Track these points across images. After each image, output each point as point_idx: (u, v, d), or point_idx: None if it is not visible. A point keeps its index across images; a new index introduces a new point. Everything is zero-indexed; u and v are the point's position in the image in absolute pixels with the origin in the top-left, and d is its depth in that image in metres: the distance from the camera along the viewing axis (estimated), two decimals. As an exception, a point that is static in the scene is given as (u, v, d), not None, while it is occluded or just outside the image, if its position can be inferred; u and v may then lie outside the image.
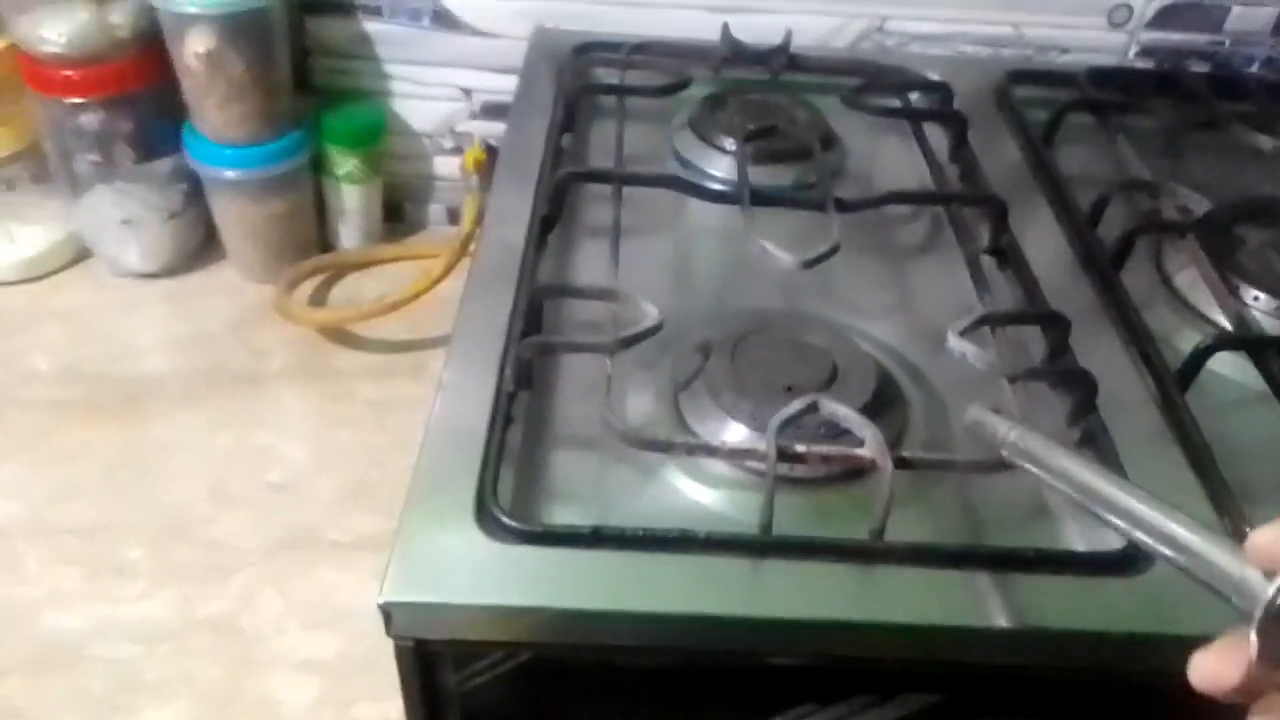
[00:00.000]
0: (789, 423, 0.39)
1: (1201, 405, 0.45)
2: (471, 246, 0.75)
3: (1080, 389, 0.43)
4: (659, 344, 0.46)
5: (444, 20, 0.76)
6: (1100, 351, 0.48)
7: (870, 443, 0.38)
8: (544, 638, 0.37)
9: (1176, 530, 0.29)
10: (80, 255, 0.80)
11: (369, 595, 0.60)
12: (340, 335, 0.76)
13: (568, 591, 0.36)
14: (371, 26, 0.77)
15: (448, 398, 0.43)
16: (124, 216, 0.75)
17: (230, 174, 0.73)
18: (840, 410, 0.39)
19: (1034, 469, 0.34)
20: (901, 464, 0.38)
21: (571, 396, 0.46)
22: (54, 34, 0.67)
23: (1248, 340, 0.46)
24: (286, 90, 0.73)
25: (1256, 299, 0.52)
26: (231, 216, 0.77)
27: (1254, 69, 0.76)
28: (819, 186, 0.54)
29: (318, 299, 0.79)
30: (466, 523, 0.38)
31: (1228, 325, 0.50)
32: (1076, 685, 0.39)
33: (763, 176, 0.57)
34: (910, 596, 0.37)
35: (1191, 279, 0.54)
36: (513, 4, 0.75)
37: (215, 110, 0.71)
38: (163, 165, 0.75)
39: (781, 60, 0.67)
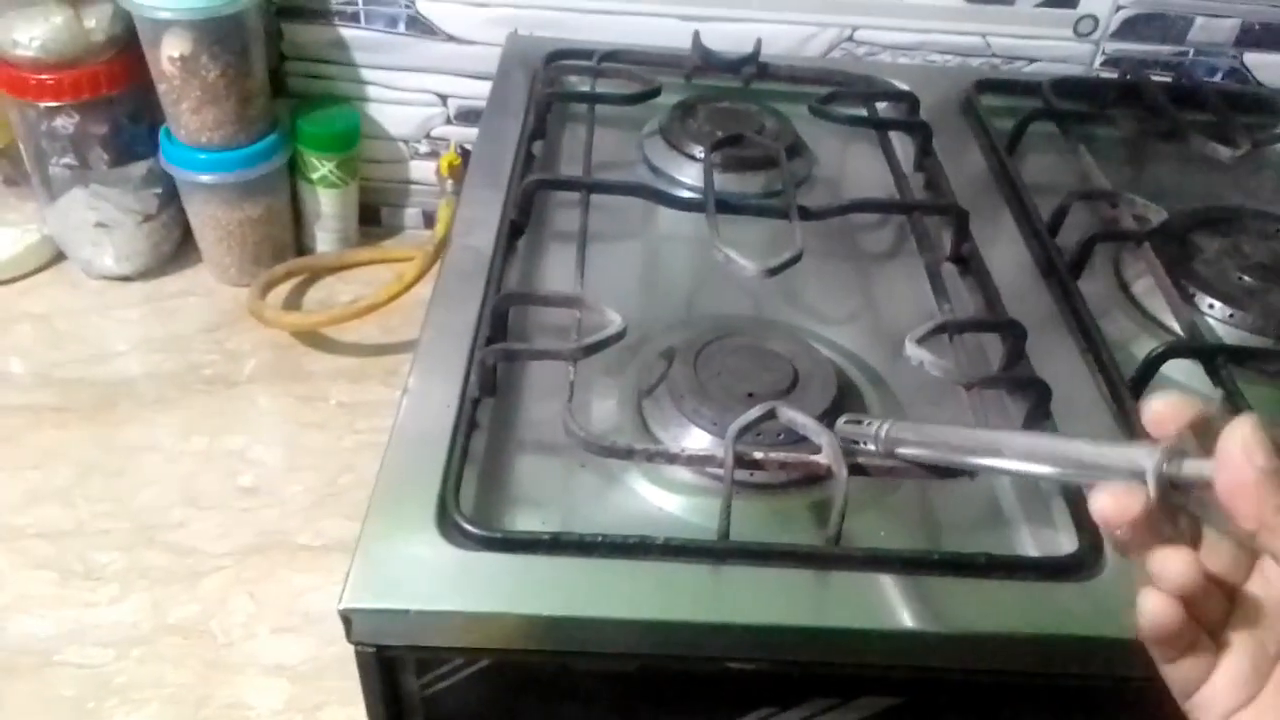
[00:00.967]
0: (747, 429, 0.40)
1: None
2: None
3: (1035, 396, 0.44)
4: (624, 350, 0.46)
5: (420, 26, 0.76)
6: (1057, 358, 0.49)
7: (826, 449, 0.39)
8: (505, 644, 0.37)
9: (1070, 448, 0.30)
10: (54, 258, 0.80)
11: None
12: (313, 338, 0.76)
13: (528, 598, 0.37)
14: (348, 32, 0.77)
15: (413, 403, 0.44)
16: (99, 219, 0.75)
17: (205, 178, 0.74)
18: (798, 417, 0.39)
19: (915, 451, 0.36)
20: (856, 470, 0.38)
21: (536, 402, 0.47)
22: (27, 38, 0.67)
23: (1200, 348, 0.48)
24: (262, 95, 0.73)
25: (1211, 306, 0.53)
26: (206, 220, 0.77)
27: (1217, 79, 0.77)
28: (784, 194, 0.55)
29: (292, 302, 0.79)
30: (428, 529, 0.38)
31: (1182, 332, 0.51)
32: (1030, 688, 0.40)
33: (730, 184, 0.58)
34: (865, 601, 0.38)
35: (1148, 286, 0.55)
36: (487, 11, 0.75)
37: (190, 114, 0.71)
38: (137, 169, 0.75)
39: (752, 69, 0.68)
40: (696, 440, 0.44)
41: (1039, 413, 0.44)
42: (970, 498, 0.45)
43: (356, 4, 0.76)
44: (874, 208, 0.57)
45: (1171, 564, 0.26)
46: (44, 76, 0.69)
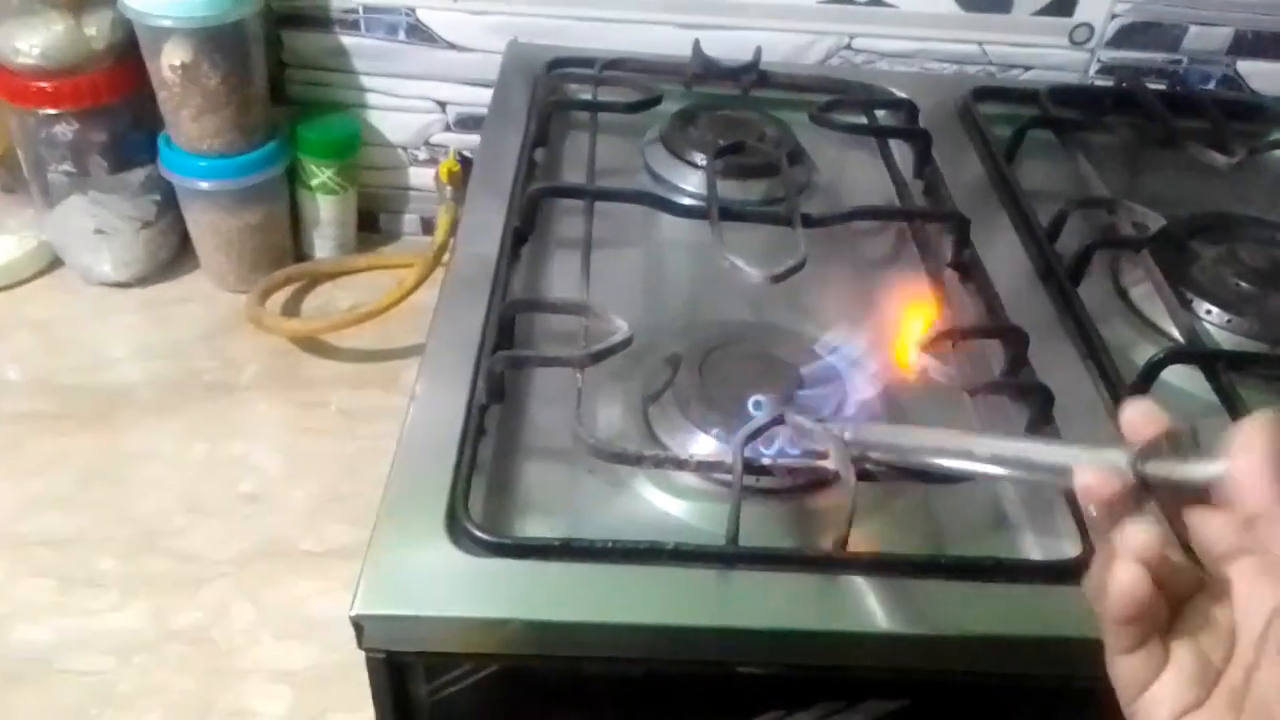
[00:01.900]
0: (755, 435, 0.40)
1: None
2: (445, 257, 0.76)
3: (1038, 401, 0.44)
4: (630, 356, 0.47)
5: (420, 34, 0.77)
6: (1058, 363, 0.50)
7: (835, 455, 0.39)
8: (514, 649, 0.37)
9: (1043, 450, 0.32)
10: (52, 264, 0.80)
11: (342, 605, 0.60)
12: (313, 345, 0.76)
13: (538, 603, 0.37)
14: (348, 40, 0.77)
15: (420, 410, 0.44)
16: (97, 226, 0.75)
17: (204, 185, 0.74)
18: (806, 423, 0.40)
19: (882, 455, 0.37)
20: (864, 476, 0.39)
21: (543, 408, 0.47)
22: (28, 45, 0.67)
23: (1199, 353, 0.48)
24: (262, 102, 0.74)
25: (1209, 312, 0.54)
26: (205, 227, 0.77)
27: (1210, 86, 0.78)
28: (786, 201, 0.55)
29: (291, 309, 0.79)
30: (438, 535, 0.38)
31: (1181, 338, 0.51)
32: (1033, 690, 0.40)
33: (732, 191, 0.59)
34: (873, 605, 0.38)
35: (1146, 293, 0.55)
36: (488, 19, 0.76)
37: (190, 122, 0.71)
38: (136, 175, 0.75)
39: (751, 77, 0.69)
40: (703, 446, 0.44)
41: (1042, 418, 0.45)
42: (973, 502, 0.45)
43: (357, 12, 0.76)
44: (876, 215, 0.57)
45: (1140, 532, 0.28)
46: (44, 84, 0.69)
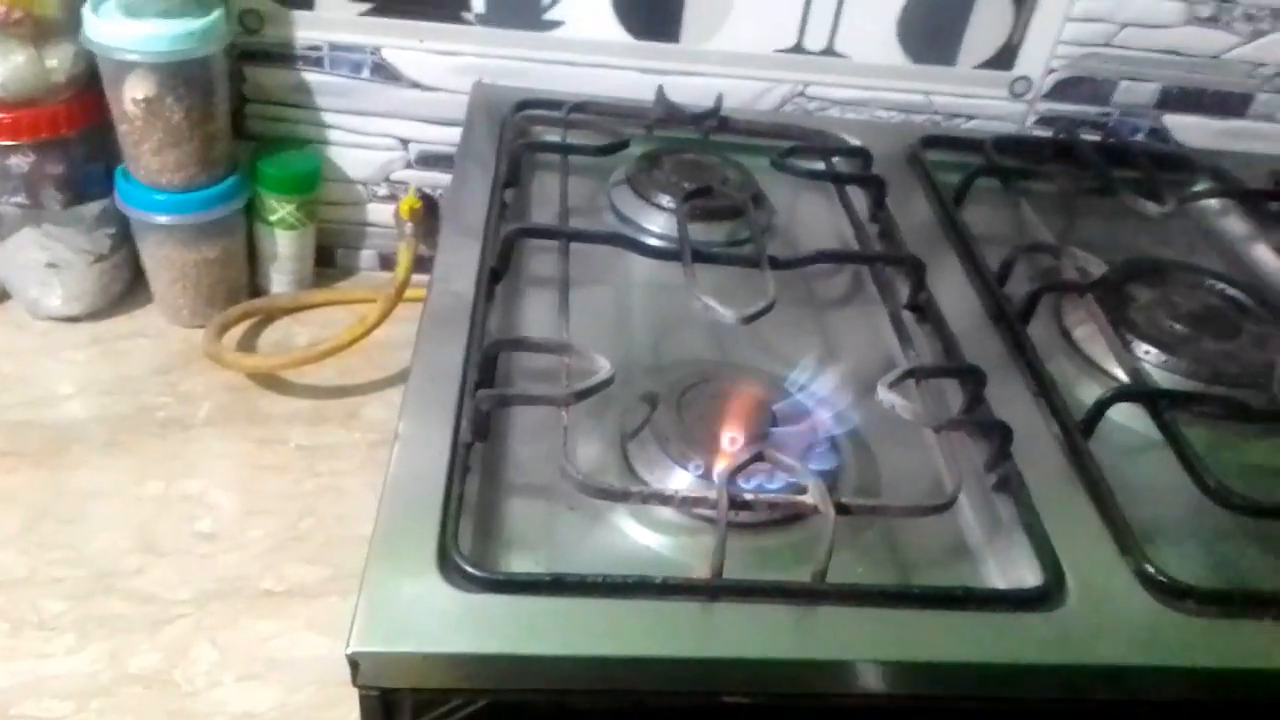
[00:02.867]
0: (737, 471, 0.41)
1: (1101, 451, 0.49)
2: (406, 293, 0.76)
3: (997, 438, 0.47)
4: (603, 394, 0.48)
5: (384, 73, 0.77)
6: (1010, 400, 0.52)
7: (813, 490, 0.41)
8: (508, 684, 0.38)
9: None
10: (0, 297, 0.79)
11: (305, 645, 0.60)
12: (269, 381, 0.75)
13: (530, 638, 0.37)
14: (311, 76, 0.77)
15: (405, 449, 0.44)
16: (49, 260, 0.74)
17: (163, 219, 0.73)
18: (785, 460, 0.41)
19: None
20: (841, 510, 0.40)
21: (522, 444, 0.48)
22: (-14, 76, 0.66)
23: (1144, 392, 0.51)
24: (224, 137, 0.73)
25: (1147, 353, 0.57)
26: (161, 261, 0.76)
27: (1139, 137, 0.83)
28: (753, 244, 0.57)
29: (246, 344, 0.79)
30: (430, 572, 0.39)
31: (1123, 377, 0.54)
32: (1004, 713, 0.42)
33: (698, 233, 0.60)
34: (851, 634, 0.39)
35: (1088, 333, 0.59)
36: (452, 59, 0.77)
37: (151, 155, 0.70)
38: (90, 209, 0.74)
39: (713, 123, 0.71)
40: (680, 481, 0.45)
41: (1001, 453, 0.47)
42: (935, 535, 0.47)
43: (322, 49, 0.76)
44: (839, 258, 0.60)
45: None
46: (1, 115, 0.68)
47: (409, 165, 0.82)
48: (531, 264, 0.60)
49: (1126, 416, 0.52)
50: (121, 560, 0.62)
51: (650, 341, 0.58)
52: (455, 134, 0.79)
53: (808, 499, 0.41)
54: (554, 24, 0.76)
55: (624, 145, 0.65)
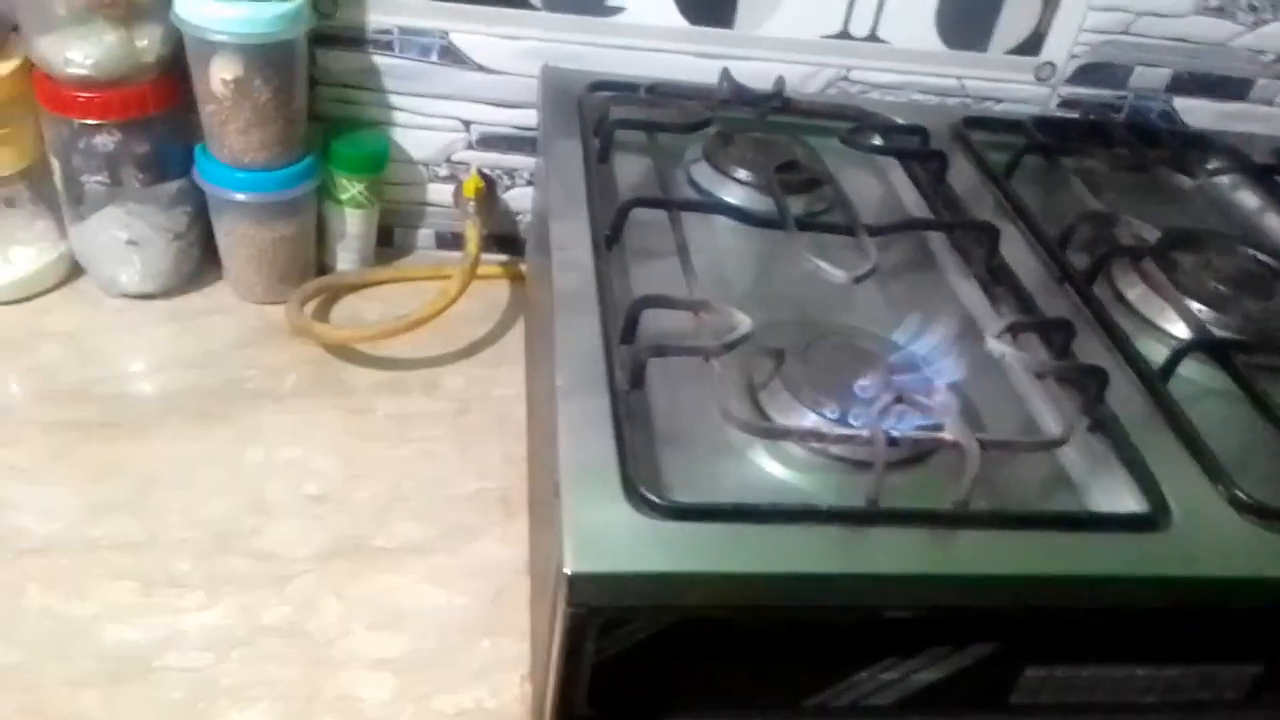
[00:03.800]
0: (882, 412, 0.46)
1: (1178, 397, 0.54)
2: (480, 269, 0.80)
3: (1094, 383, 0.52)
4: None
5: (451, 56, 0.80)
6: (1088, 353, 0.57)
7: (952, 427, 0.45)
8: (696, 601, 0.42)
9: None
10: (69, 276, 0.80)
11: (425, 597, 0.63)
12: (347, 353, 0.78)
13: (720, 558, 0.41)
14: (380, 60, 0.80)
15: (567, 399, 0.47)
16: (130, 237, 0.76)
17: (243, 197, 0.75)
18: (924, 401, 0.46)
19: None
20: (981, 445, 0.45)
21: (660, 393, 0.51)
22: (82, 56, 0.68)
23: (1218, 342, 0.56)
24: (303, 118, 0.76)
25: (1200, 311, 0.62)
26: (238, 239, 0.78)
27: (1152, 119, 0.89)
28: (837, 212, 0.62)
29: (318, 319, 0.81)
30: (619, 501, 0.42)
31: (1178, 334, 0.60)
32: (1115, 625, 0.47)
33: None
34: (992, 553, 0.44)
35: (1141, 294, 0.64)
36: (517, 44, 0.80)
37: (237, 135, 0.72)
38: (169, 187, 0.76)
39: (776, 104, 0.75)
40: (815, 425, 0.49)
41: (1098, 396, 0.52)
42: (1038, 471, 0.52)
43: (392, 33, 0.79)
44: (925, 225, 0.65)
45: None
46: (91, 95, 0.69)
47: (469, 146, 0.85)
48: (631, 234, 0.63)
49: (1191, 371, 0.58)
50: (237, 522, 0.64)
51: (755, 304, 0.62)
52: (517, 115, 0.83)
53: (947, 435, 0.45)
54: (616, 9, 0.80)
55: (707, 124, 0.69)
